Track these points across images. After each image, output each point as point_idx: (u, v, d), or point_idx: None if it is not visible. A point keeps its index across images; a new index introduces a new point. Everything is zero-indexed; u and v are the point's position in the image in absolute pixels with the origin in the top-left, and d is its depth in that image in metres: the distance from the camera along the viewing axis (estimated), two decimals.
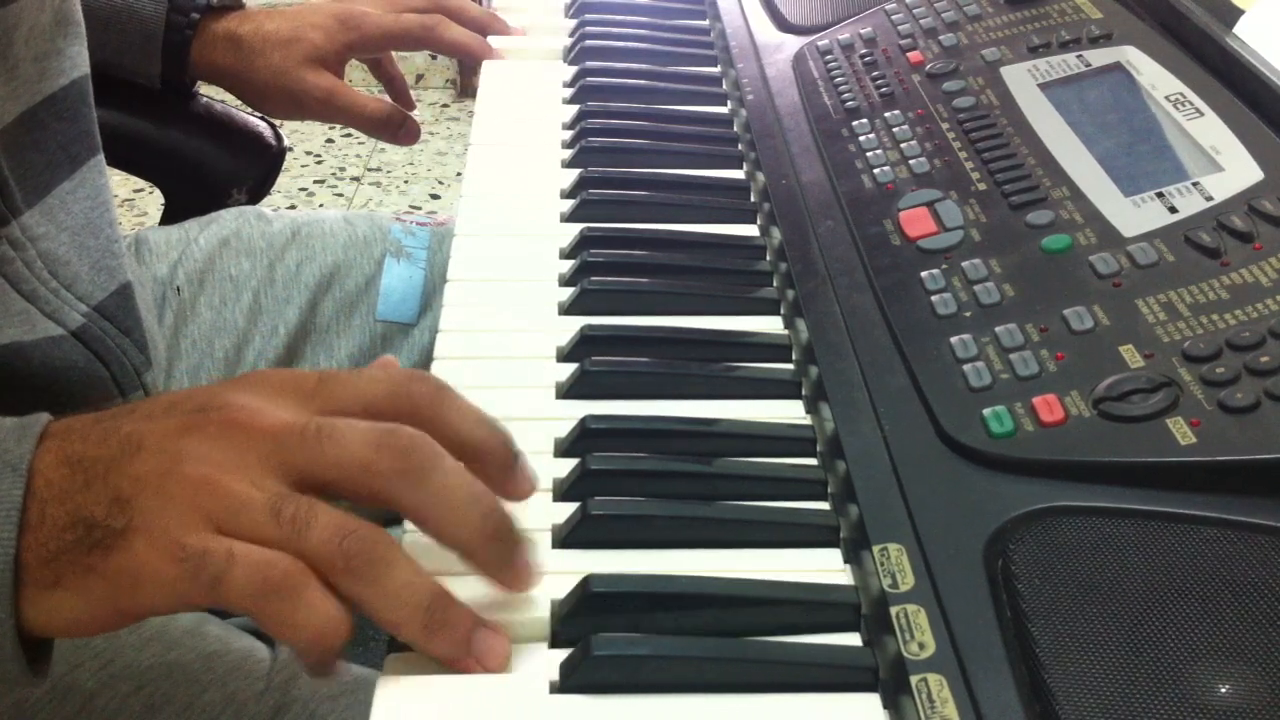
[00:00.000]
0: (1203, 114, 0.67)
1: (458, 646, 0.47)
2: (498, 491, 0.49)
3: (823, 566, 0.53)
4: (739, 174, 0.82)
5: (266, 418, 0.47)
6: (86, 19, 0.78)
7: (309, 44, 0.93)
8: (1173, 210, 0.62)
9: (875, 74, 0.82)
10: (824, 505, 0.56)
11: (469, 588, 0.49)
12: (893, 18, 0.87)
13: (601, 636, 0.47)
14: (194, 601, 0.45)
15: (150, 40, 0.92)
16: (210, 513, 0.45)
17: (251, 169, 1.03)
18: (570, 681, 0.47)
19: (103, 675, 0.64)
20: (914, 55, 0.82)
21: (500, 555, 0.48)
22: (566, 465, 0.57)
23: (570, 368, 0.63)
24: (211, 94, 1.03)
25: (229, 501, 0.45)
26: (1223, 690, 0.44)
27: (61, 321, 0.68)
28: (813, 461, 0.59)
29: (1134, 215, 0.63)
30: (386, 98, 1.01)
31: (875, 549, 0.51)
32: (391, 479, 0.46)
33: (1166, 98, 0.69)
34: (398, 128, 0.97)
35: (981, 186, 0.69)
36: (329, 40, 0.94)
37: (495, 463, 0.49)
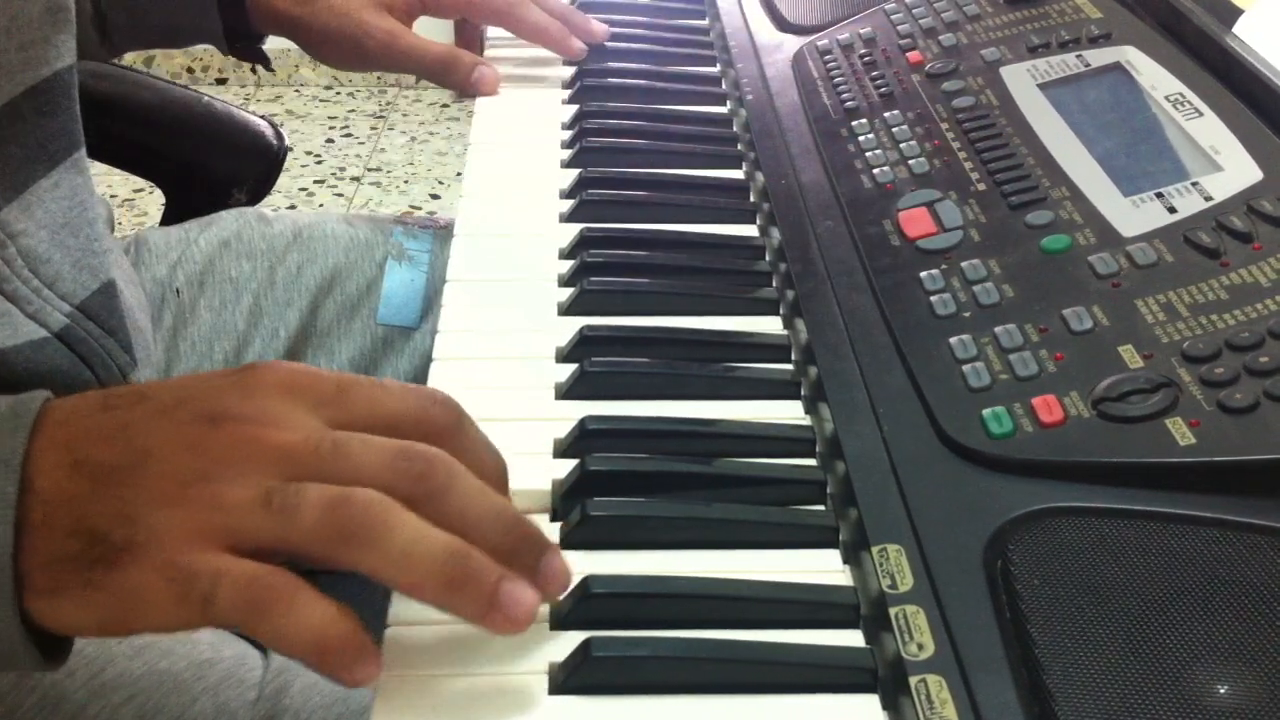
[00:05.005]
0: (1202, 114, 0.67)
1: (484, 602, 0.44)
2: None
3: (822, 567, 0.53)
4: (738, 174, 0.82)
5: (279, 434, 0.46)
6: None
7: None
8: (1172, 210, 0.62)
9: (875, 74, 0.82)
10: (823, 506, 0.56)
11: None
12: (892, 17, 0.87)
13: (601, 637, 0.48)
14: (195, 624, 0.44)
15: None
16: (212, 529, 0.44)
17: (252, 169, 1.03)
18: (570, 682, 0.47)
19: (94, 685, 0.63)
20: (913, 55, 0.82)
21: (527, 563, 0.47)
22: (566, 466, 0.57)
23: (570, 368, 0.63)
24: (213, 93, 1.04)
25: (227, 515, 0.44)
26: (1222, 691, 0.44)
27: (44, 322, 0.66)
28: (812, 462, 0.59)
29: (1133, 215, 0.63)
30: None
31: (874, 550, 0.51)
32: (409, 501, 0.45)
33: (1166, 98, 0.69)
34: (467, 73, 0.91)
35: (981, 187, 0.69)
36: None
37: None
